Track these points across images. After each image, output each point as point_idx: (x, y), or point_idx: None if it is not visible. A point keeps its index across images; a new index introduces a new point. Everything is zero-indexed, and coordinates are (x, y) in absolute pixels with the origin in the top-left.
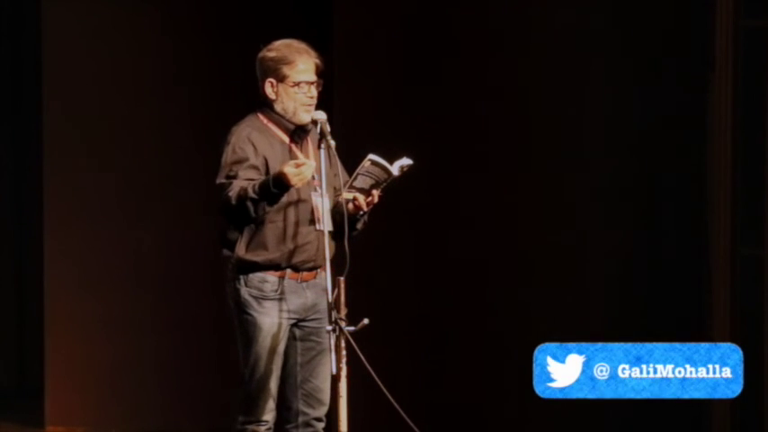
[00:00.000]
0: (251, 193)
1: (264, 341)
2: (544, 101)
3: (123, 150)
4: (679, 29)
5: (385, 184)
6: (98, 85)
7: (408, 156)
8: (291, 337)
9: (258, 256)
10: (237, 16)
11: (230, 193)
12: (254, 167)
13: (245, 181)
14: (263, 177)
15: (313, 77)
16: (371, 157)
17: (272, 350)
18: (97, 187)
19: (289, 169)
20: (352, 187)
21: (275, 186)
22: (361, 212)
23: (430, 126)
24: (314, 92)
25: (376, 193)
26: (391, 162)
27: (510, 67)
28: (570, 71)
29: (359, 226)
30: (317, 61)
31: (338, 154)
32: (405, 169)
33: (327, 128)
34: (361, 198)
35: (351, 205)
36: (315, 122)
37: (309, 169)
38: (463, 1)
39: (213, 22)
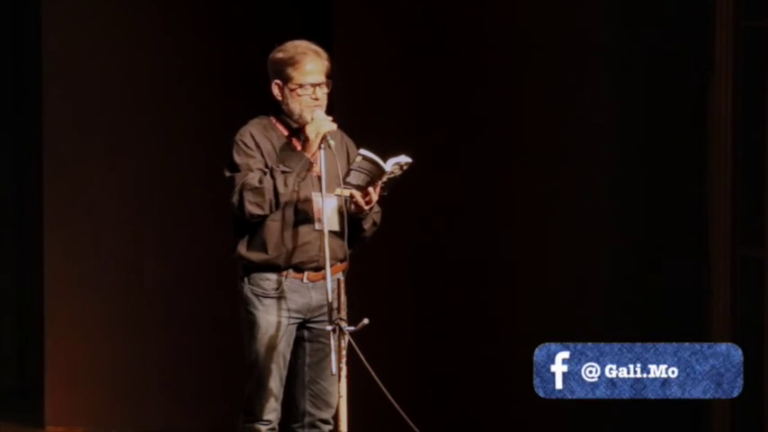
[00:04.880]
0: (280, 168)
1: (264, 339)
2: (544, 100)
3: (124, 150)
4: (679, 29)
5: (381, 181)
6: (98, 84)
7: (408, 155)
8: (300, 338)
9: (257, 257)
10: (237, 15)
11: (249, 179)
12: (261, 161)
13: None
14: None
15: (319, 79)
16: (362, 152)
17: (272, 348)
18: (97, 187)
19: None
20: (347, 183)
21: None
22: (364, 213)
23: (430, 125)
24: (319, 93)
25: (373, 191)
26: (387, 159)
27: (509, 67)
28: (570, 71)
29: (366, 226)
30: (326, 62)
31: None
32: (404, 167)
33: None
34: (357, 195)
35: (352, 206)
36: None
37: (323, 121)
38: (463, 0)
39: (214, 21)
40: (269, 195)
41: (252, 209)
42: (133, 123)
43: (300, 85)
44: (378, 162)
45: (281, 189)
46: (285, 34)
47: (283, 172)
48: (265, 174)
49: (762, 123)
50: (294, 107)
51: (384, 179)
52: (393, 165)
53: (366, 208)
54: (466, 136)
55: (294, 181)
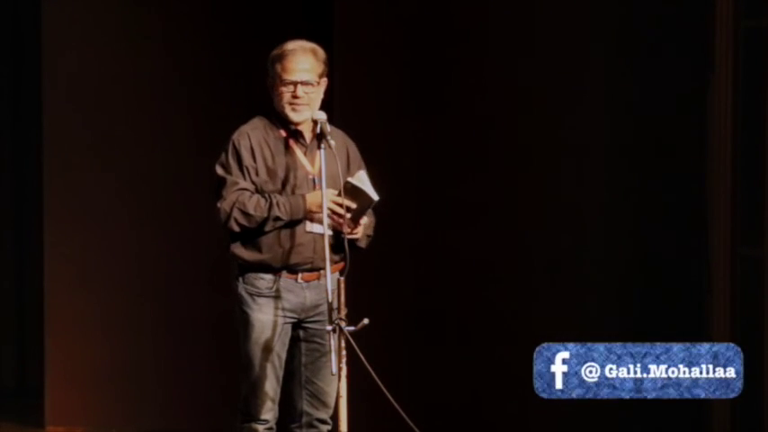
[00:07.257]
0: (276, 208)
1: (258, 338)
2: (544, 100)
3: (123, 150)
4: (679, 29)
5: (369, 207)
6: (98, 84)
7: (409, 156)
8: (296, 338)
9: (252, 256)
10: (238, 15)
11: (245, 199)
12: (253, 167)
13: (248, 189)
14: (270, 185)
15: (302, 77)
16: (350, 180)
17: (267, 347)
18: (97, 187)
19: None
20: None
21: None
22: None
23: (430, 125)
24: (301, 92)
25: (364, 223)
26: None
27: (510, 66)
28: (571, 71)
29: (361, 244)
30: (320, 62)
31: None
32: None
33: (327, 128)
34: (347, 228)
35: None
36: (315, 122)
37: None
38: (463, 1)
39: (213, 22)
40: (253, 225)
41: (234, 227)
42: (133, 123)
43: (282, 82)
44: (365, 192)
45: (267, 227)
46: (286, 34)
47: (276, 218)
48: (265, 200)
49: (762, 123)
50: (277, 103)
51: (372, 205)
52: (370, 187)
53: (357, 235)
54: (467, 135)
55: (281, 226)
